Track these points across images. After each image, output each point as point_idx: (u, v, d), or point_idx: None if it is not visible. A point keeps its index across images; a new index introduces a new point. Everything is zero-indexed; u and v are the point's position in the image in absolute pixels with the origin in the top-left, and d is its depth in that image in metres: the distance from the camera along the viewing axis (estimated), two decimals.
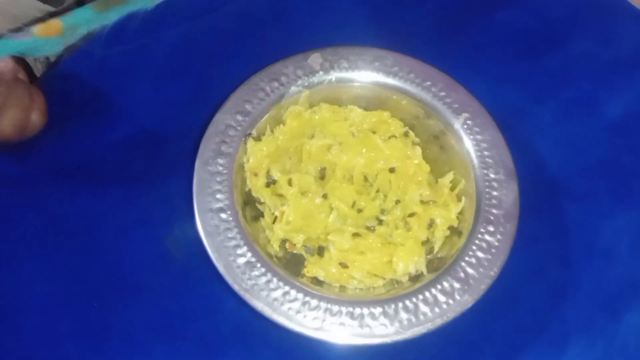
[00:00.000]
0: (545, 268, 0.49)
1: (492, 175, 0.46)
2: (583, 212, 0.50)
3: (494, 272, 0.43)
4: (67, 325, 0.43)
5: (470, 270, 0.43)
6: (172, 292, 0.44)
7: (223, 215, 0.43)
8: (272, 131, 0.47)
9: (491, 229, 0.44)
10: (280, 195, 0.45)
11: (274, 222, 0.45)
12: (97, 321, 0.44)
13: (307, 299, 0.41)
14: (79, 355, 0.43)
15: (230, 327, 0.43)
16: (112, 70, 0.53)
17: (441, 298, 0.41)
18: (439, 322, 0.41)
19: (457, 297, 0.41)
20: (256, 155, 0.45)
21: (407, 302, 0.41)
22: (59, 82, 0.53)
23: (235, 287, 0.41)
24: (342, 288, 0.44)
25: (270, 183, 0.45)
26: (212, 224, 0.42)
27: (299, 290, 0.41)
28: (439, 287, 0.42)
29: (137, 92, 0.52)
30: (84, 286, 0.45)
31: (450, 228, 0.45)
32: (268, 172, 0.46)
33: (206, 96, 0.49)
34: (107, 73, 0.53)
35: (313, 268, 0.43)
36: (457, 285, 0.42)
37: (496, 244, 0.44)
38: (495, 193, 0.46)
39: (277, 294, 0.41)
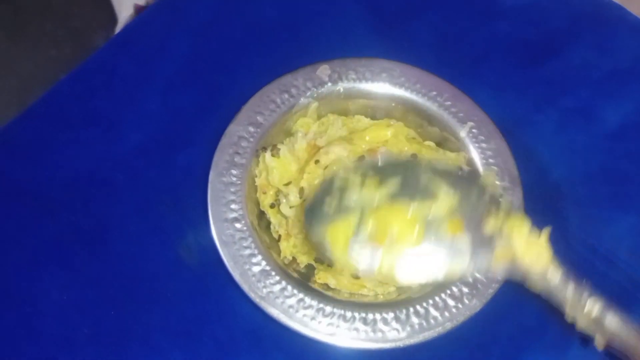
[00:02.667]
0: None
1: (497, 183, 0.48)
2: (585, 217, 0.52)
3: (501, 276, 0.44)
4: (86, 331, 0.44)
5: (478, 275, 0.44)
6: (188, 298, 0.45)
7: (238, 225, 0.44)
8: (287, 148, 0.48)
9: None
10: (285, 216, 0.46)
11: (278, 240, 0.46)
12: (115, 327, 0.45)
13: (321, 305, 0.42)
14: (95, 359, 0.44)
15: (245, 332, 0.45)
16: (123, 81, 0.54)
17: (451, 302, 0.43)
18: (449, 325, 0.42)
19: (466, 301, 0.43)
20: (266, 174, 0.46)
21: (418, 307, 0.42)
22: (72, 91, 0.54)
23: (251, 295, 0.42)
24: (352, 294, 0.45)
25: (275, 205, 0.46)
26: (227, 234, 0.44)
27: (313, 297, 0.42)
28: (448, 292, 0.43)
29: (148, 103, 0.53)
30: (100, 293, 0.46)
31: None
32: (277, 192, 0.47)
33: (216, 107, 0.50)
34: (118, 83, 0.54)
35: (324, 275, 0.44)
36: (465, 289, 0.43)
37: None
38: (500, 200, 0.47)
39: (292, 301, 0.42)
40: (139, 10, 0.63)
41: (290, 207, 0.45)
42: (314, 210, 0.33)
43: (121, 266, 0.47)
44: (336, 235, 0.32)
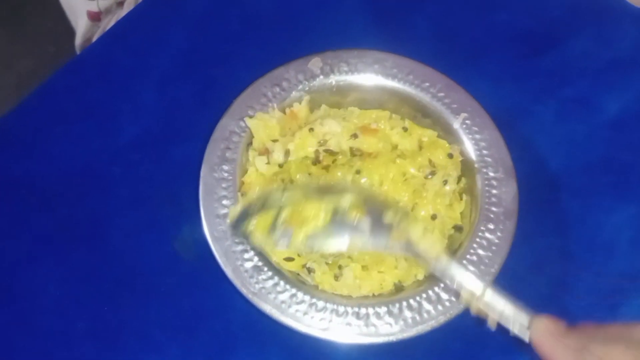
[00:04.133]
0: (547, 262, 0.50)
1: (491, 174, 0.47)
2: (583, 208, 0.52)
3: (494, 269, 0.44)
4: (81, 326, 0.45)
5: (471, 268, 0.44)
6: (183, 292, 0.46)
7: (229, 221, 0.44)
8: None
9: (491, 226, 0.45)
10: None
11: None
12: (111, 321, 0.45)
13: (314, 300, 0.42)
14: (94, 354, 0.44)
15: (241, 326, 0.45)
16: (117, 74, 0.54)
17: (444, 296, 0.43)
18: (442, 319, 0.42)
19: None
20: (251, 174, 0.46)
21: (411, 301, 0.42)
22: (66, 84, 0.54)
23: (244, 291, 0.42)
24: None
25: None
26: (219, 230, 0.44)
27: (306, 292, 0.42)
28: (441, 285, 0.43)
29: (144, 96, 0.53)
30: (96, 287, 0.46)
31: (455, 227, 0.46)
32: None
33: (211, 100, 0.50)
34: (112, 76, 0.54)
35: (324, 278, 0.43)
36: None
37: (496, 241, 0.45)
38: (494, 191, 0.47)
39: (285, 296, 0.42)
40: (93, 17, 0.62)
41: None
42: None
43: (117, 260, 0.47)
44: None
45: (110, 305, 0.46)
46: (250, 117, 0.47)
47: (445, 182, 0.46)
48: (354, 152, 0.47)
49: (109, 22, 0.69)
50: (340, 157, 0.46)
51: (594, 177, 0.53)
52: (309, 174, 0.45)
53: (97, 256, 0.47)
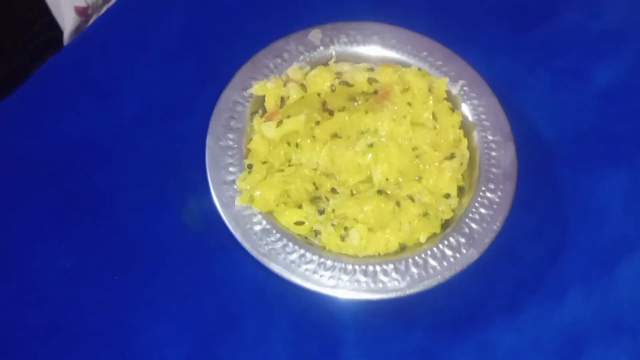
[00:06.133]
0: (543, 227, 0.51)
1: (490, 137, 0.49)
2: (577, 175, 0.53)
3: (496, 226, 0.45)
4: (91, 296, 0.45)
5: (474, 226, 0.45)
6: (191, 262, 0.46)
7: (236, 187, 0.45)
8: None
9: (492, 186, 0.46)
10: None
11: None
12: (120, 292, 0.45)
13: (322, 260, 0.43)
14: (104, 323, 0.44)
15: (250, 290, 0.45)
16: (119, 52, 0.55)
17: (448, 252, 0.44)
18: (447, 274, 0.43)
19: (464, 250, 0.44)
20: (257, 140, 0.47)
21: (417, 258, 0.43)
22: (70, 61, 0.54)
23: (254, 253, 0.43)
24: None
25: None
26: (227, 195, 0.44)
27: (314, 252, 0.43)
28: (446, 242, 0.44)
29: (144, 72, 0.53)
30: (104, 259, 0.46)
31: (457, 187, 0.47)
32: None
33: (213, 74, 0.51)
34: (114, 54, 0.55)
35: (330, 239, 0.44)
36: (462, 240, 0.44)
37: (497, 200, 0.46)
38: (494, 154, 0.48)
39: (294, 257, 0.43)
40: (81, 12, 0.62)
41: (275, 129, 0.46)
42: None
43: (124, 233, 0.47)
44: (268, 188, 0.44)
45: (118, 275, 0.46)
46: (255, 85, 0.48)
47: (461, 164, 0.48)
48: (370, 82, 0.48)
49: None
50: (354, 92, 0.48)
51: (586, 145, 0.55)
52: (313, 137, 0.46)
53: (104, 229, 0.48)
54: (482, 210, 0.45)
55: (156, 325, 0.45)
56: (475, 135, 0.49)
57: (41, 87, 0.53)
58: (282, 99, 0.48)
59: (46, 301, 0.45)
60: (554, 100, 0.56)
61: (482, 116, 0.49)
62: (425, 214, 0.45)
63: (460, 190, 0.47)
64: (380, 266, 0.43)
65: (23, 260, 0.47)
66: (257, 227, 0.44)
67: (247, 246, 0.43)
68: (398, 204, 0.44)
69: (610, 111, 0.56)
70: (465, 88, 0.50)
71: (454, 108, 0.50)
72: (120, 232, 0.47)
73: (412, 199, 0.45)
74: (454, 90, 0.50)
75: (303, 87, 0.48)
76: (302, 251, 0.43)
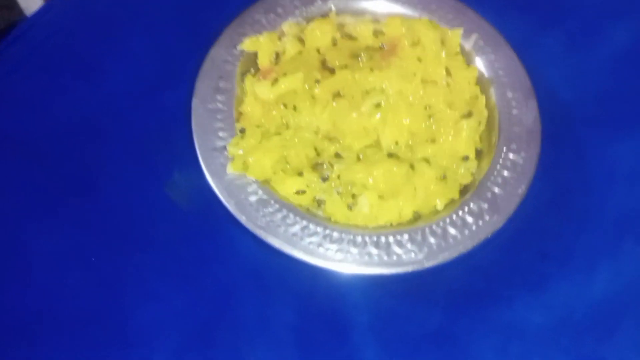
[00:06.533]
0: (567, 194, 0.46)
1: (509, 94, 0.44)
2: (600, 137, 0.48)
3: (521, 190, 0.40)
4: (79, 277, 0.40)
5: (497, 190, 0.40)
6: (184, 239, 0.41)
7: (227, 153, 0.40)
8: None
9: (514, 147, 0.42)
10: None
11: None
12: (110, 273, 0.40)
13: (328, 231, 0.38)
14: (92, 306, 0.39)
15: (247, 269, 0.40)
16: (98, 21, 0.50)
17: (469, 220, 0.39)
18: (469, 244, 0.38)
19: (486, 217, 0.39)
20: (250, 103, 0.42)
21: (435, 227, 0.38)
22: (47, 34, 0.49)
23: (250, 226, 0.38)
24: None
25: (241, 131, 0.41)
26: (217, 163, 0.39)
27: (318, 224, 0.38)
28: (466, 209, 0.39)
29: (126, 41, 0.49)
30: (91, 239, 0.41)
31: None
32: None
33: (200, 35, 0.46)
34: (93, 24, 0.50)
35: (336, 208, 0.39)
36: (484, 205, 0.39)
37: (521, 162, 0.41)
38: (515, 112, 0.43)
39: (296, 229, 0.38)
40: None
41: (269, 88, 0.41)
42: None
43: (111, 210, 0.42)
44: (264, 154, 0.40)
45: (107, 256, 0.41)
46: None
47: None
48: (376, 35, 0.43)
49: None
50: (358, 47, 0.42)
51: (608, 107, 0.50)
52: (313, 98, 0.41)
53: (90, 207, 0.43)
54: (505, 173, 0.40)
55: (147, 309, 0.40)
56: (493, 92, 0.44)
57: (17, 61, 0.48)
58: (277, 55, 0.43)
59: (31, 284, 0.40)
60: (570, 60, 0.52)
61: (500, 72, 0.45)
62: (443, 178, 0.40)
63: (479, 154, 0.42)
64: (394, 237, 0.38)
65: (10, 242, 0.42)
66: (253, 198, 0.38)
67: (242, 219, 0.38)
68: (412, 167, 0.39)
69: (630, 71, 0.52)
70: (480, 42, 0.45)
71: (469, 62, 0.45)
72: (107, 210, 0.42)
73: (427, 161, 0.40)
74: (467, 45, 0.45)
75: (301, 40, 0.43)
76: (304, 222, 0.38)
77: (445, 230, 0.38)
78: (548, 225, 0.45)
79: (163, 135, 0.45)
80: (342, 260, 0.37)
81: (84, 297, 0.40)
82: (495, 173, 0.40)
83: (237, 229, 0.39)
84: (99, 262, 0.41)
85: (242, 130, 0.41)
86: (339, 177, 0.39)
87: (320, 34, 0.43)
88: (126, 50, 0.48)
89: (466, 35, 0.46)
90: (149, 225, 0.42)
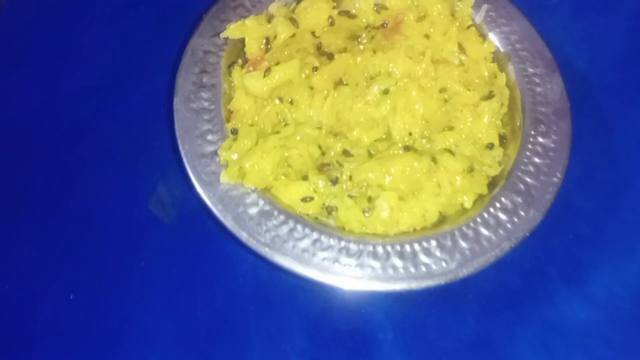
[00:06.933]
0: (597, 171, 0.42)
1: (530, 70, 0.39)
2: (624, 106, 0.44)
3: (557, 178, 0.35)
4: (44, 319, 0.35)
5: (529, 180, 0.35)
6: (172, 261, 0.36)
7: (219, 159, 0.34)
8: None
9: (543, 129, 0.37)
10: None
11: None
12: (80, 310, 0.35)
13: (344, 244, 0.32)
14: (64, 354, 0.34)
15: (248, 292, 0.35)
16: (58, 8, 0.44)
17: (503, 217, 0.34)
18: (506, 246, 0.33)
19: (522, 212, 0.34)
20: (240, 99, 0.36)
21: (465, 229, 0.33)
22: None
23: (252, 244, 0.32)
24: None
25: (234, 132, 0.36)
26: (207, 172, 0.34)
27: (332, 235, 0.33)
28: (498, 204, 0.34)
29: (90, 31, 0.43)
30: (59, 268, 0.36)
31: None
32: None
33: (174, 23, 0.41)
34: (52, 13, 0.44)
35: (350, 215, 0.34)
36: (518, 199, 0.34)
37: (552, 145, 0.36)
38: (538, 89, 0.38)
39: (306, 243, 0.32)
40: None
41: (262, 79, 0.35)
42: None
43: (81, 230, 0.37)
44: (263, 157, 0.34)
45: (78, 291, 0.35)
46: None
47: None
48: (377, 11, 0.38)
49: None
50: (358, 26, 0.37)
51: (626, 72, 0.46)
52: (311, 88, 0.35)
53: (57, 227, 0.37)
54: (536, 160, 0.36)
55: (135, 346, 0.34)
56: (511, 68, 0.39)
57: None
58: (268, 40, 0.37)
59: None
60: (582, 23, 0.47)
61: (517, 45, 0.40)
62: (471, 170, 0.35)
63: (502, 140, 0.37)
64: (420, 244, 0.33)
65: None
66: (253, 210, 0.33)
67: (242, 236, 0.32)
68: (434, 160, 0.34)
69: None
70: (491, 13, 0.40)
71: (484, 36, 0.39)
72: (76, 230, 0.37)
73: (450, 152, 0.35)
74: (478, 18, 0.40)
75: (293, 21, 0.37)
76: (315, 235, 0.33)
77: (477, 232, 0.33)
78: (579, 207, 0.40)
79: (139, 141, 0.39)
80: (362, 276, 0.32)
81: (52, 342, 0.34)
82: (525, 161, 0.36)
83: (236, 246, 0.33)
84: (68, 299, 0.35)
85: (234, 131, 0.35)
86: (350, 178, 0.34)
87: (314, 13, 0.38)
88: (89, 42, 0.42)
89: (475, 7, 0.41)
90: (129, 250, 0.36)
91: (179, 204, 0.37)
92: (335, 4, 0.38)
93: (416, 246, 0.33)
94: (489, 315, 0.36)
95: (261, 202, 0.33)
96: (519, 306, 0.37)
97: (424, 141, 0.36)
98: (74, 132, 0.39)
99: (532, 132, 0.37)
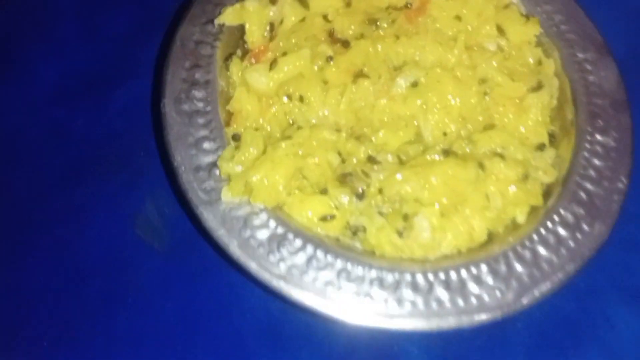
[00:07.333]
0: None
1: (580, 55, 0.33)
2: None
3: (622, 183, 0.30)
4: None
5: (590, 187, 0.30)
6: (165, 294, 0.30)
7: (219, 172, 0.28)
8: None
9: (601, 124, 0.31)
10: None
11: None
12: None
13: (376, 273, 0.27)
14: None
15: (259, 333, 0.29)
16: (26, 6, 0.37)
17: (564, 233, 0.28)
18: (571, 268, 0.27)
19: (585, 227, 0.28)
20: (241, 97, 0.30)
21: (520, 249, 0.28)
22: None
23: (264, 276, 0.26)
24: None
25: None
26: (206, 188, 0.28)
27: (360, 263, 0.27)
28: (556, 218, 0.28)
29: (61, 28, 0.37)
30: (30, 310, 0.30)
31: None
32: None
33: (162, 10, 0.34)
34: (19, 11, 0.37)
35: (382, 237, 0.28)
36: (580, 211, 0.29)
37: (613, 144, 0.31)
38: (591, 78, 0.33)
39: (329, 275, 0.26)
40: None
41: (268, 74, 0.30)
42: None
43: (55, 262, 0.31)
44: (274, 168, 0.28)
45: (51, 337, 0.29)
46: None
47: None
48: None
49: None
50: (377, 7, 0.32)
51: None
52: (325, 82, 0.29)
53: (25, 257, 0.31)
54: (597, 162, 0.30)
55: None
56: (557, 54, 0.33)
57: None
58: (272, 26, 0.31)
59: None
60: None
61: (563, 27, 0.34)
62: (525, 178, 0.29)
63: (551, 138, 0.32)
64: (468, 270, 0.27)
65: None
66: (263, 234, 0.27)
67: (250, 266, 0.26)
68: (481, 166, 0.28)
69: None
70: None
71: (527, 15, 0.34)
72: (49, 263, 0.31)
73: (500, 156, 0.29)
74: None
75: (302, 2, 0.31)
76: (340, 264, 0.27)
77: (535, 253, 0.28)
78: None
79: (122, 151, 0.34)
80: (399, 314, 0.26)
81: None
82: (583, 163, 0.30)
83: (242, 278, 0.27)
84: (41, 347, 0.28)
85: (236, 137, 0.29)
86: (380, 191, 0.28)
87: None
88: (60, 37, 0.37)
89: None
90: (112, 284, 0.30)
91: (171, 227, 0.31)
92: None
93: (463, 273, 0.27)
94: (543, 351, 0.30)
95: (272, 224, 0.27)
96: (578, 340, 0.31)
97: (463, 142, 0.30)
98: (45, 142, 0.34)
99: (589, 129, 0.31)
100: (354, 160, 0.29)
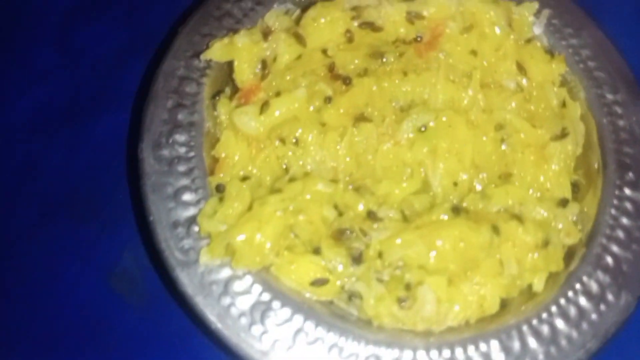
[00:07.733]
0: None
1: (609, 97, 0.30)
2: None
3: None
4: None
5: (617, 250, 0.26)
6: (142, 355, 0.27)
7: (198, 228, 0.25)
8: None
9: (631, 177, 0.28)
10: None
11: None
12: None
13: (372, 349, 0.23)
14: None
15: None
16: (0, 30, 0.35)
17: (585, 305, 0.25)
18: (593, 346, 0.24)
19: (610, 297, 0.25)
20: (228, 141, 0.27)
21: (536, 324, 0.24)
22: None
23: (246, 351, 0.23)
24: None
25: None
26: (183, 247, 0.25)
27: (356, 337, 0.24)
28: (578, 286, 0.25)
29: (36, 52, 0.35)
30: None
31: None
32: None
33: (144, 40, 0.31)
34: None
35: (381, 307, 0.25)
36: (605, 278, 0.26)
37: None
38: (621, 123, 0.29)
39: (320, 349, 0.23)
40: None
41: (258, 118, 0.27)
42: None
43: (23, 318, 0.28)
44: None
45: None
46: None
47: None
48: (410, 21, 0.30)
49: None
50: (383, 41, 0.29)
51: None
52: (323, 125, 0.26)
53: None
54: (625, 221, 0.27)
55: None
56: (583, 95, 0.30)
57: None
58: (264, 64, 0.28)
59: None
60: None
61: (590, 63, 0.31)
62: (546, 244, 0.25)
63: (574, 189, 0.28)
64: (477, 347, 0.24)
65: None
66: (245, 302, 0.24)
67: (230, 340, 0.23)
68: (495, 229, 0.25)
69: None
70: (553, 21, 0.31)
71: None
72: (13, 316, 0.28)
73: (518, 218, 0.25)
74: (537, 29, 0.31)
75: (299, 38, 0.28)
76: (333, 337, 0.24)
77: (553, 327, 0.25)
78: None
79: (96, 195, 0.31)
80: None
81: None
82: (610, 222, 0.27)
83: (219, 353, 0.24)
84: None
85: (221, 188, 0.26)
86: (380, 255, 0.25)
87: (327, 26, 0.28)
88: (34, 67, 0.33)
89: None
90: (82, 343, 0.27)
91: (149, 280, 0.28)
92: (354, 14, 0.29)
93: (471, 350, 0.24)
94: None
95: (257, 289, 0.24)
96: None
97: (476, 198, 0.27)
98: (19, 177, 0.31)
99: (617, 182, 0.28)
100: (352, 214, 0.26)
